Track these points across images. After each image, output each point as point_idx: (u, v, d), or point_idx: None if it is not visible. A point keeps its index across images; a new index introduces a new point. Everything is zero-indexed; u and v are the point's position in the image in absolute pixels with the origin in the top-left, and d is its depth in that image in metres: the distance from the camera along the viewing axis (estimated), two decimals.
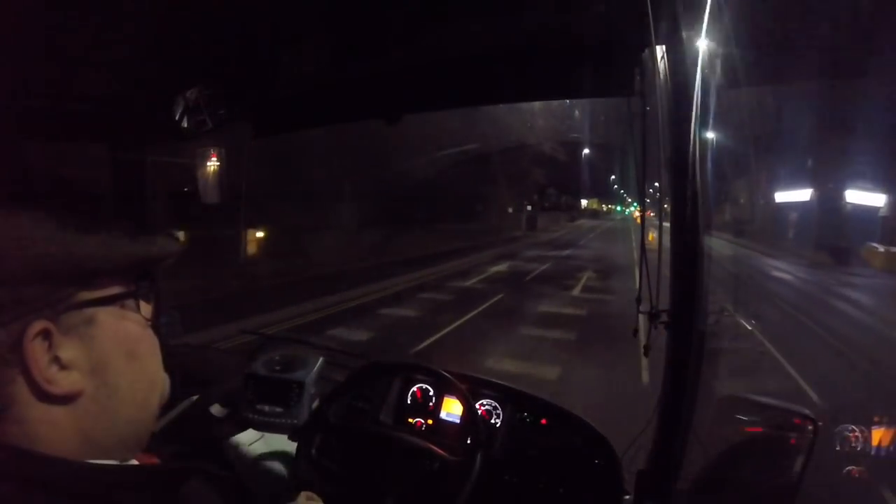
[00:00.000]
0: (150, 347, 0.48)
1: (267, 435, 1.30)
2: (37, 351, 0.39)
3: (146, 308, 0.48)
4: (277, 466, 1.29)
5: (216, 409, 1.31)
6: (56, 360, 0.40)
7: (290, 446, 1.19)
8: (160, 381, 0.50)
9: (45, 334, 0.39)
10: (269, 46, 1.06)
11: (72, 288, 0.41)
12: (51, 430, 0.40)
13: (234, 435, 1.28)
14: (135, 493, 0.42)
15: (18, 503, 0.36)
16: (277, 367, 1.31)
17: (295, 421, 1.22)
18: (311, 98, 1.35)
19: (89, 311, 0.42)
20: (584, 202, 62.69)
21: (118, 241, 0.44)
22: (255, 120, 1.49)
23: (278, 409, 1.25)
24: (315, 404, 1.27)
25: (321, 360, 1.36)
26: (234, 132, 1.44)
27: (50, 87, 1.02)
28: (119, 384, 0.44)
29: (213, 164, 1.40)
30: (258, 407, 1.25)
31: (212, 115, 1.23)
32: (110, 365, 0.44)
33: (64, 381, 0.40)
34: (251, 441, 1.30)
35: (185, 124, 1.21)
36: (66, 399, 0.41)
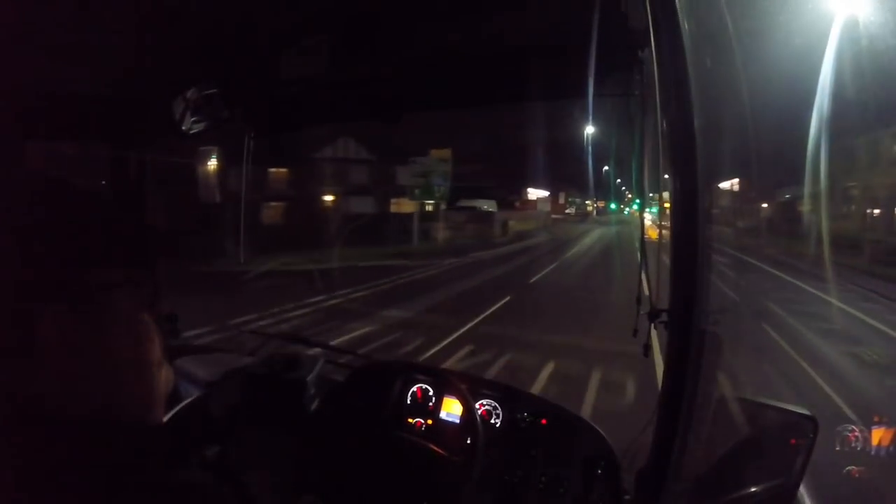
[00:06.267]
0: (155, 336, 0.53)
1: (267, 435, 1.30)
2: (54, 328, 0.43)
3: (147, 295, 0.53)
4: (277, 467, 1.29)
5: (216, 410, 1.31)
6: (68, 339, 0.44)
7: (291, 447, 1.19)
8: (163, 364, 0.54)
9: (63, 313, 0.44)
10: (268, 46, 1.06)
11: (88, 274, 0.46)
12: (66, 399, 0.44)
13: (233, 435, 1.28)
14: (155, 458, 0.47)
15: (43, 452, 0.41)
16: (277, 367, 1.31)
17: (295, 421, 1.22)
18: (311, 98, 1.35)
19: (100, 296, 0.47)
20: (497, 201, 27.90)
21: (128, 234, 0.52)
22: (255, 120, 1.49)
23: (278, 410, 1.25)
24: (315, 404, 1.27)
25: (321, 360, 1.36)
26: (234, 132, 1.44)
27: (50, 87, 1.02)
28: (127, 363, 0.49)
29: (212, 164, 1.40)
30: (258, 407, 1.25)
31: (212, 115, 1.23)
32: (119, 346, 0.48)
33: (78, 357, 0.45)
34: (251, 441, 1.30)
35: (185, 124, 1.21)
36: (77, 376, 0.45)
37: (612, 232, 29.30)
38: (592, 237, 26.10)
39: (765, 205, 23.88)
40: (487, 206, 27.03)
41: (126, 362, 0.48)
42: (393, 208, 22.41)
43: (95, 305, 0.46)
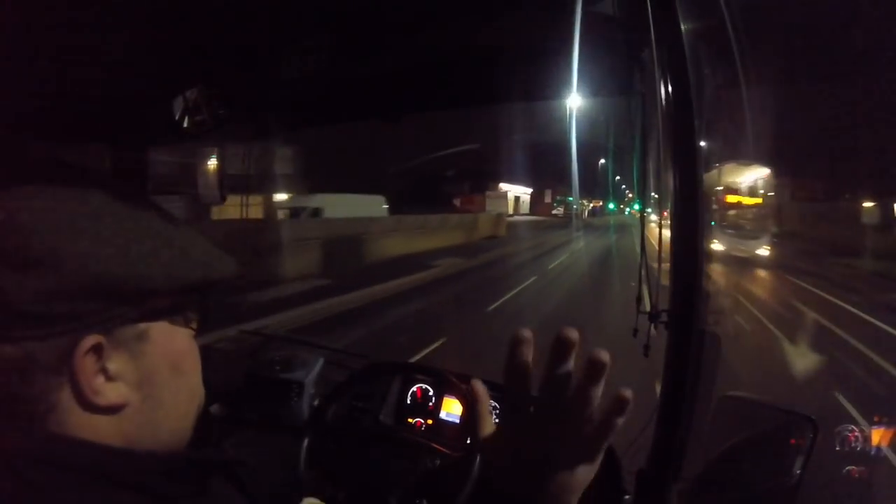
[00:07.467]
0: (194, 361, 0.49)
1: (266, 435, 1.30)
2: (87, 363, 0.39)
3: (194, 322, 0.49)
4: (278, 467, 1.29)
5: (216, 409, 1.31)
6: (104, 371, 0.40)
7: (291, 447, 1.19)
8: (200, 393, 0.51)
9: (97, 348, 0.39)
10: (269, 46, 1.06)
11: (128, 306, 0.41)
12: (92, 437, 0.40)
13: (233, 435, 1.28)
14: (169, 481, 0.42)
15: (52, 487, 0.37)
16: (277, 367, 1.31)
17: (295, 421, 1.22)
18: (311, 98, 1.35)
19: (141, 326, 0.43)
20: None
21: (178, 262, 0.44)
22: (255, 120, 1.50)
23: (278, 410, 1.25)
24: (315, 404, 1.27)
25: (321, 360, 1.37)
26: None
27: (50, 87, 1.01)
28: (164, 397, 0.45)
29: (213, 164, 1.39)
30: (258, 407, 1.25)
31: (212, 115, 1.23)
32: (156, 378, 0.44)
33: (110, 393, 0.41)
34: (251, 441, 1.30)
35: (185, 124, 1.21)
36: (111, 410, 0.41)
37: (606, 248, 15.98)
38: (548, 276, 11.52)
39: (868, 203, 13.75)
40: (366, 203, 16.44)
41: (164, 392, 0.45)
42: (215, 214, 12.47)
43: (137, 335, 0.42)
